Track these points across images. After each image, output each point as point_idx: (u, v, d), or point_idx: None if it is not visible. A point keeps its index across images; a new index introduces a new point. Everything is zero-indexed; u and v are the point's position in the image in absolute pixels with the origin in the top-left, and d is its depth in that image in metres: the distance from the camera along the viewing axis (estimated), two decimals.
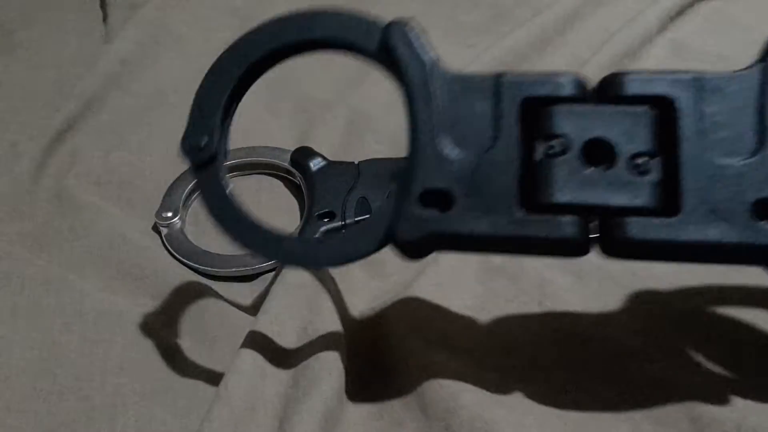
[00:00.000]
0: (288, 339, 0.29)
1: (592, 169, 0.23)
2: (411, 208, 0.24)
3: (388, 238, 0.24)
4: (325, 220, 0.34)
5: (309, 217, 0.34)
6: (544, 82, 0.23)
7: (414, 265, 0.32)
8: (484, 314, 0.29)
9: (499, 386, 0.26)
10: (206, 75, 0.27)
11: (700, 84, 0.23)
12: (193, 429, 0.25)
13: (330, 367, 0.27)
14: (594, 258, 0.24)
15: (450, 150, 0.24)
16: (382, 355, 0.28)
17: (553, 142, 0.23)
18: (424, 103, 0.24)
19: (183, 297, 0.32)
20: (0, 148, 0.41)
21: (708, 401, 0.24)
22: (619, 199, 0.22)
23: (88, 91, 0.42)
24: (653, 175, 0.22)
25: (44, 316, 0.31)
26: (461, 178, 0.23)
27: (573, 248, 0.23)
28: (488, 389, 0.26)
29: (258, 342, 0.28)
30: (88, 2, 0.51)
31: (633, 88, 0.23)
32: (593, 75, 0.41)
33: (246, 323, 0.31)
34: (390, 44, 0.24)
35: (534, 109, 0.23)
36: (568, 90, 0.23)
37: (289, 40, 0.26)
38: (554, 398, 0.26)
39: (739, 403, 0.25)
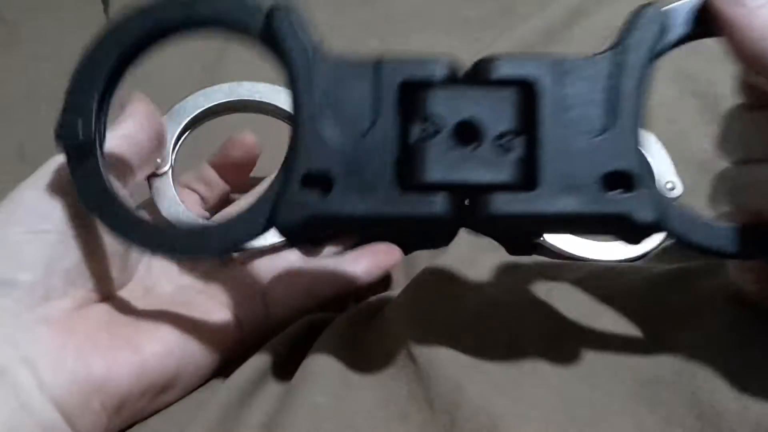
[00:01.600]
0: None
1: (462, 148, 0.24)
2: (292, 191, 0.24)
3: (270, 223, 0.25)
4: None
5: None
6: (420, 66, 0.24)
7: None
8: (491, 308, 0.29)
9: (505, 379, 0.26)
10: (82, 56, 0.26)
11: (559, 67, 0.24)
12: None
13: (330, 358, 0.27)
14: None
15: (331, 132, 0.24)
16: (387, 347, 0.28)
17: (427, 124, 0.24)
18: (306, 86, 0.24)
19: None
20: (5, 145, 0.41)
21: (714, 396, 0.24)
22: (484, 176, 0.24)
23: None
24: (516, 153, 0.24)
25: None
26: (341, 160, 0.24)
27: (444, 225, 0.24)
28: (494, 382, 0.26)
29: (269, 345, 0.28)
30: None
31: (500, 71, 0.24)
32: None
33: None
34: (273, 27, 0.24)
35: (411, 91, 0.24)
36: (441, 73, 0.24)
37: (170, 19, 0.25)
38: (560, 392, 0.26)
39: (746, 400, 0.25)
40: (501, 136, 0.24)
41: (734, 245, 0.24)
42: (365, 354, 0.28)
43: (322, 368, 0.27)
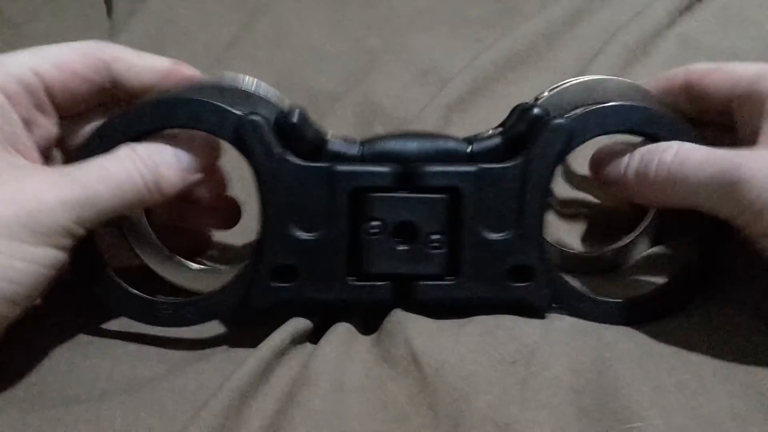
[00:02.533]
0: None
1: (401, 245, 0.28)
2: (263, 281, 0.29)
3: (243, 306, 0.29)
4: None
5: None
6: (367, 175, 0.28)
7: None
8: (495, 318, 0.29)
9: (514, 385, 0.26)
10: (77, 154, 0.28)
11: (481, 174, 0.28)
12: None
13: (329, 361, 0.27)
14: None
15: (295, 230, 0.28)
16: (388, 350, 0.28)
17: (373, 224, 0.28)
18: (272, 189, 0.28)
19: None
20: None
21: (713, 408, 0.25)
22: (418, 268, 0.29)
23: None
24: (443, 249, 0.29)
25: None
26: (304, 255, 0.28)
27: (385, 306, 0.29)
28: (502, 390, 0.26)
29: (267, 343, 0.28)
30: None
31: (431, 180, 0.28)
32: (602, 70, 0.41)
33: (237, 323, 0.31)
34: (242, 136, 0.28)
35: (360, 195, 0.28)
36: (385, 181, 0.28)
37: (151, 126, 0.28)
38: (572, 382, 0.26)
39: None
40: (431, 234, 0.28)
41: (614, 317, 0.29)
42: (365, 357, 0.28)
43: (320, 371, 0.27)
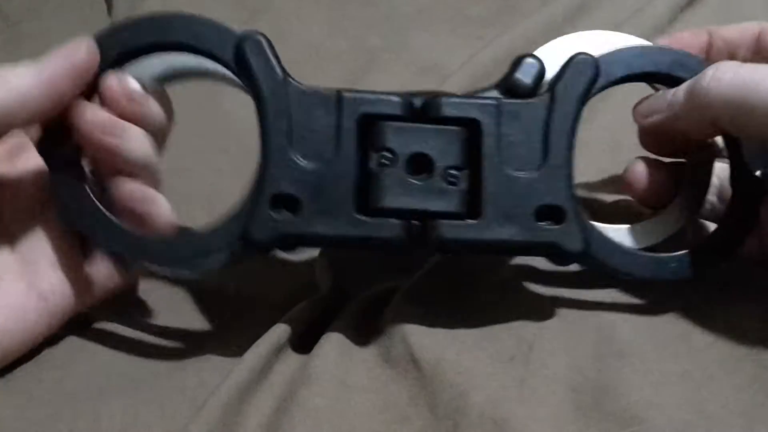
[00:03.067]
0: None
1: (414, 179, 0.26)
2: (262, 211, 0.26)
3: (242, 238, 0.26)
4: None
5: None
6: (377, 102, 0.27)
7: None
8: (497, 309, 0.29)
9: (512, 381, 0.26)
10: None
11: (501, 108, 0.27)
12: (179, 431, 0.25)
13: (330, 360, 0.27)
14: None
15: (298, 158, 0.26)
16: (388, 350, 0.28)
17: (383, 154, 0.26)
18: (276, 113, 0.26)
19: (172, 295, 0.32)
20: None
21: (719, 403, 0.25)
22: (434, 205, 0.27)
23: None
24: (462, 185, 0.27)
25: None
26: (308, 184, 0.26)
27: (398, 247, 0.27)
28: (500, 385, 0.26)
29: (265, 341, 0.28)
30: None
31: (448, 111, 0.27)
32: None
33: (241, 320, 0.31)
34: (244, 56, 0.26)
35: (369, 123, 0.26)
36: (397, 109, 0.27)
37: (145, 41, 0.27)
38: (570, 380, 0.26)
39: None
40: (448, 168, 0.27)
41: (649, 270, 0.28)
42: (366, 356, 0.28)
43: (321, 370, 0.27)
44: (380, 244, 0.27)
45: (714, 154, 0.30)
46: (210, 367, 0.29)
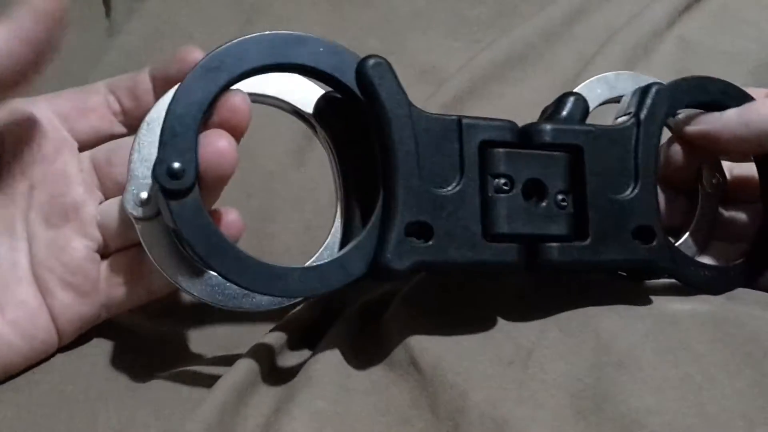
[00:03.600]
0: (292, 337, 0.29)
1: (528, 204, 0.27)
2: (398, 238, 0.26)
3: (375, 267, 0.26)
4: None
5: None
6: (494, 128, 0.27)
7: None
8: (496, 311, 0.29)
9: (511, 382, 0.26)
10: (178, 92, 0.25)
11: (599, 134, 0.28)
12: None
13: (331, 363, 0.27)
14: None
15: (428, 185, 0.26)
16: (388, 352, 0.28)
17: (501, 180, 0.27)
18: (403, 140, 0.26)
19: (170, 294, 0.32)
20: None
21: (720, 407, 0.25)
22: (547, 228, 0.27)
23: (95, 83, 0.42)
24: (569, 209, 0.28)
25: None
26: (438, 211, 0.26)
27: (514, 270, 0.28)
28: (499, 386, 0.26)
29: (267, 339, 0.28)
30: None
31: (552, 137, 0.28)
32: (601, 70, 0.41)
33: (239, 320, 0.31)
34: (369, 79, 0.25)
35: (485, 150, 0.27)
36: (510, 136, 0.27)
37: (263, 62, 0.26)
38: (569, 386, 0.26)
39: None
40: (558, 193, 0.28)
41: (722, 283, 0.30)
42: (366, 359, 0.28)
43: (322, 373, 0.27)
44: (500, 268, 0.27)
45: (725, 181, 0.34)
46: (207, 369, 0.29)
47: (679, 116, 0.32)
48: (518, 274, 0.28)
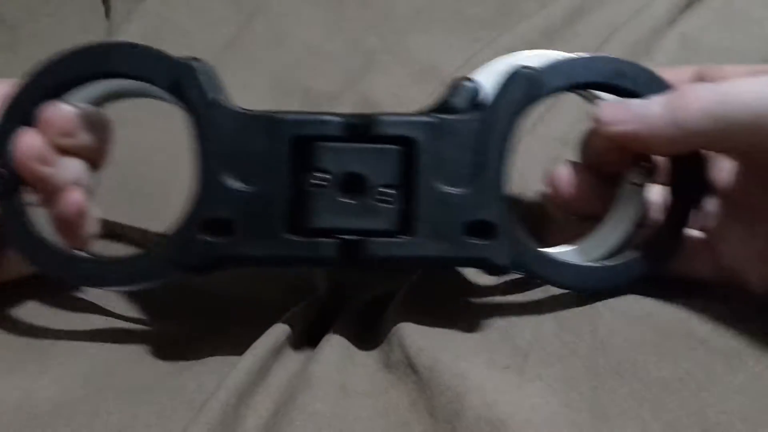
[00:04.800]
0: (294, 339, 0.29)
1: (348, 198, 0.27)
2: (196, 235, 0.27)
3: (176, 263, 0.27)
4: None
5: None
6: (311, 123, 0.27)
7: None
8: (492, 313, 0.29)
9: (507, 385, 0.26)
10: (5, 103, 0.28)
11: (436, 126, 0.27)
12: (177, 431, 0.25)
13: (330, 364, 0.27)
14: None
15: (231, 181, 0.27)
16: (386, 354, 0.28)
17: (318, 175, 0.27)
18: (209, 137, 0.27)
19: (169, 297, 0.32)
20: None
21: (720, 409, 0.24)
22: (365, 223, 0.27)
23: None
24: (396, 203, 0.27)
25: None
26: (241, 208, 0.27)
27: (332, 264, 0.27)
28: (496, 389, 0.26)
29: (263, 342, 0.28)
30: None
31: (383, 129, 0.27)
32: None
33: (238, 321, 0.31)
34: (179, 81, 0.27)
35: (302, 144, 0.27)
36: (331, 130, 0.27)
37: (85, 71, 0.28)
38: (564, 395, 0.25)
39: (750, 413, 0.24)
40: (381, 187, 0.27)
41: (579, 280, 0.29)
42: (366, 360, 0.28)
43: (321, 374, 0.27)
44: (313, 263, 0.28)
45: (654, 171, 0.30)
46: (208, 369, 0.29)
47: (597, 108, 0.28)
48: (342, 266, 0.28)
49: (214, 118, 0.27)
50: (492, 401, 0.25)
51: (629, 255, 0.29)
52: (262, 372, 0.27)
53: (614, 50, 0.42)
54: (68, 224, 0.29)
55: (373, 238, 0.27)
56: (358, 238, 0.27)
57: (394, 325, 0.28)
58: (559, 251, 0.30)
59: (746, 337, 0.26)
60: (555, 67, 0.28)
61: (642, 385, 0.25)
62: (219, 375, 0.27)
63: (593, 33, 0.45)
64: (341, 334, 0.29)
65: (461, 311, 0.29)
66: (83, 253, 0.29)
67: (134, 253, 0.29)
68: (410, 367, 0.27)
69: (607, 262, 0.29)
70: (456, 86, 0.28)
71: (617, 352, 0.26)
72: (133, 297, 0.33)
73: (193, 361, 0.29)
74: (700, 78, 0.30)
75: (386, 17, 0.48)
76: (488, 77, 0.28)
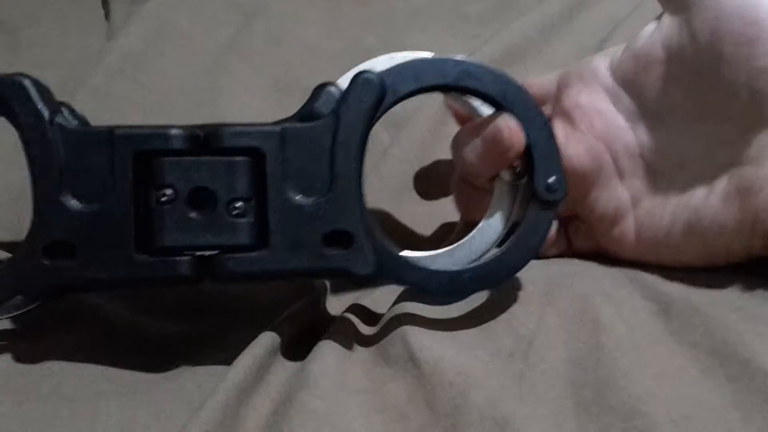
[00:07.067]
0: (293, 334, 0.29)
1: (197, 214, 0.26)
2: (35, 260, 0.25)
3: (18, 290, 0.26)
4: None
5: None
6: (153, 137, 0.26)
7: None
8: (495, 307, 0.29)
9: (511, 380, 0.26)
10: None
11: (285, 135, 0.26)
12: None
13: (328, 362, 0.27)
14: None
15: (71, 201, 0.25)
16: (387, 348, 0.28)
17: (163, 191, 0.26)
18: (42, 156, 0.25)
19: (168, 298, 0.32)
20: (4, 148, 0.41)
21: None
22: (219, 239, 0.26)
23: (95, 86, 0.42)
24: (249, 217, 0.26)
25: None
26: (82, 229, 0.25)
27: (187, 282, 0.26)
28: (500, 384, 0.26)
29: (261, 342, 0.28)
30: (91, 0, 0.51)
31: (229, 141, 0.26)
32: None
33: (236, 321, 0.31)
34: (6, 98, 0.25)
35: (146, 160, 0.26)
36: (175, 144, 0.26)
37: None
38: (568, 385, 0.26)
39: None
40: (232, 201, 0.26)
41: (442, 285, 0.28)
42: (364, 357, 0.28)
43: (319, 372, 0.27)
44: (166, 282, 0.26)
45: (525, 171, 0.30)
46: (206, 369, 0.29)
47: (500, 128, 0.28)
48: (197, 283, 0.27)
49: (46, 136, 0.25)
50: (496, 397, 0.25)
51: (494, 254, 0.29)
52: (261, 372, 0.27)
53: (614, 45, 0.42)
54: None
55: (228, 254, 0.26)
56: (213, 254, 0.26)
57: (395, 319, 0.28)
58: (427, 255, 0.29)
59: (733, 336, 0.26)
60: (400, 71, 0.27)
61: (642, 367, 0.25)
62: (218, 375, 0.27)
63: (592, 28, 0.45)
64: (339, 332, 0.29)
65: (462, 304, 0.29)
66: None
67: None
68: (411, 361, 0.27)
69: (465, 268, 0.29)
70: (319, 91, 0.27)
71: (620, 335, 0.26)
72: (132, 297, 0.33)
73: (192, 362, 0.29)
74: (564, 84, 0.32)
75: (385, 16, 0.49)
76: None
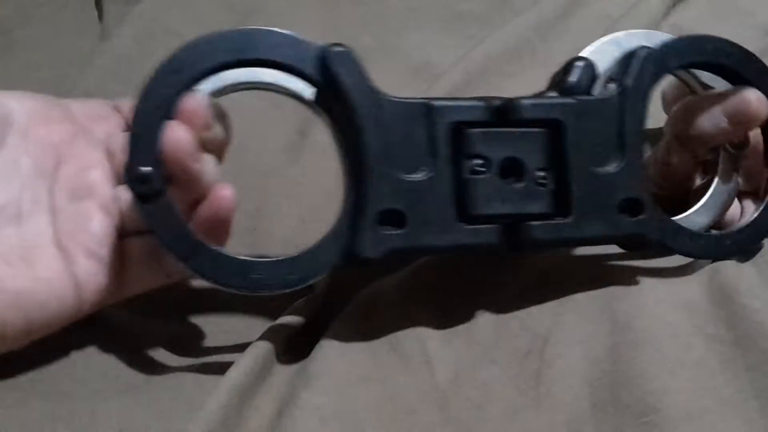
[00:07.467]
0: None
1: (507, 183, 0.27)
2: (371, 227, 0.26)
3: (349, 256, 0.26)
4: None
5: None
6: (466, 108, 0.27)
7: None
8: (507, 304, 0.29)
9: (527, 379, 0.26)
10: (142, 96, 0.25)
11: (579, 107, 0.27)
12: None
13: (332, 357, 0.27)
14: None
15: (398, 172, 0.26)
16: (397, 341, 0.28)
17: (476, 161, 0.26)
18: (372, 128, 0.26)
19: (169, 297, 0.32)
20: None
21: None
22: (527, 207, 0.27)
23: (88, 87, 0.42)
24: (549, 186, 0.27)
25: None
26: (410, 197, 0.26)
27: (497, 251, 0.27)
28: (516, 389, 0.26)
29: (263, 341, 0.28)
30: (84, 0, 0.51)
31: (530, 112, 0.27)
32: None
33: (237, 320, 0.31)
34: (332, 69, 0.25)
35: (458, 131, 0.26)
36: (483, 115, 0.27)
37: (225, 59, 0.26)
38: (585, 385, 0.26)
39: None
40: (537, 170, 0.27)
41: (713, 250, 0.30)
42: (371, 348, 0.28)
43: (323, 368, 0.27)
44: (481, 249, 0.27)
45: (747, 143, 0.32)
46: (207, 368, 0.29)
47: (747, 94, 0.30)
48: (503, 252, 0.28)
49: (375, 108, 0.26)
50: (513, 409, 0.25)
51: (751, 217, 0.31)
52: (263, 371, 0.27)
53: None
54: (218, 224, 0.27)
55: (533, 222, 0.27)
56: (519, 222, 0.27)
57: (404, 317, 0.28)
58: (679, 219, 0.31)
59: (755, 324, 0.26)
60: (680, 44, 0.29)
61: (659, 363, 0.25)
62: (219, 374, 0.27)
63: (588, 27, 0.45)
64: (342, 327, 0.29)
65: (477, 302, 0.29)
66: (247, 257, 0.26)
67: (300, 252, 0.27)
68: (426, 365, 0.27)
69: (727, 232, 0.31)
70: (571, 66, 0.28)
71: (636, 332, 0.26)
72: (132, 298, 0.33)
73: (192, 361, 0.29)
74: None
75: (380, 15, 0.48)
76: (597, 56, 0.29)
